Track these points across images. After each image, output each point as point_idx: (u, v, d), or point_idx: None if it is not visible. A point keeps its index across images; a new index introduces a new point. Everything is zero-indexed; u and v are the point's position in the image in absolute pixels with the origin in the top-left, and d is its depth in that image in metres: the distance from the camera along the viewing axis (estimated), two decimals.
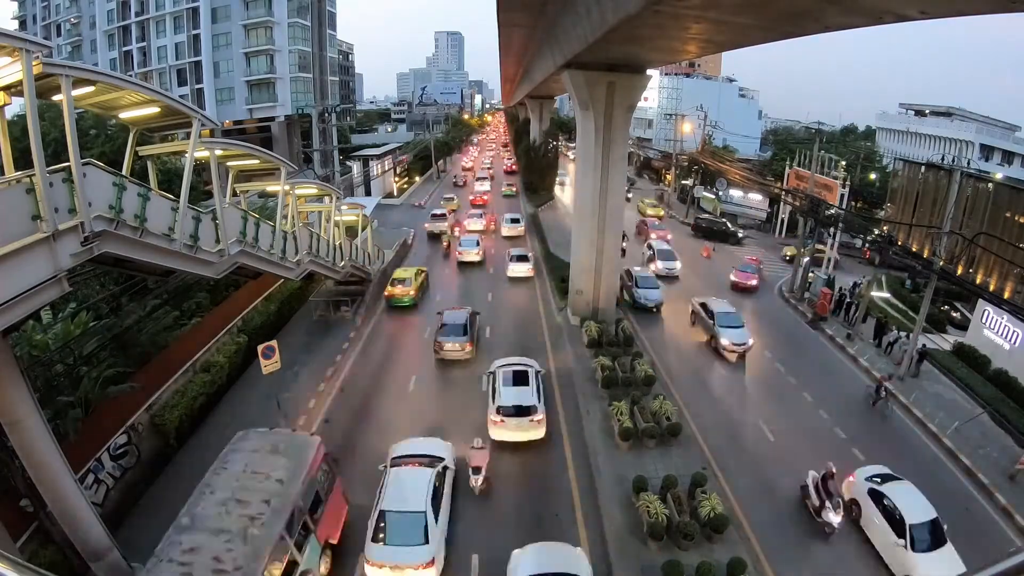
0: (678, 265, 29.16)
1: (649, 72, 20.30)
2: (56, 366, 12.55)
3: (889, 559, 11.13)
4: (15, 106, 8.70)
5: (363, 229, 25.85)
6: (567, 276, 23.36)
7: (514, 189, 51.78)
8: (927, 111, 63.94)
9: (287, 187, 15.29)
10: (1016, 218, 18.39)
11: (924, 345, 19.63)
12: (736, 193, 45.77)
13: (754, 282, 27.86)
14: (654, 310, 23.94)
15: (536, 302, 25.30)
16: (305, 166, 39.90)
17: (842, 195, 31.23)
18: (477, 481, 12.61)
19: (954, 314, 26.98)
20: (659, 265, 28.81)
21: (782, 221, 41.11)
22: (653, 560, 10.71)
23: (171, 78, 54.61)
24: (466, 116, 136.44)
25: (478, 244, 30.96)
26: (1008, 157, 55.02)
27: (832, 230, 29.33)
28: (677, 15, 11.11)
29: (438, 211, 38.31)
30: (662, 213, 44.50)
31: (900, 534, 10.94)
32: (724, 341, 19.84)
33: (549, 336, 21.61)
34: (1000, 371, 19.19)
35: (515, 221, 37.11)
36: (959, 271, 19.00)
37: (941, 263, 18.34)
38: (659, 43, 14.71)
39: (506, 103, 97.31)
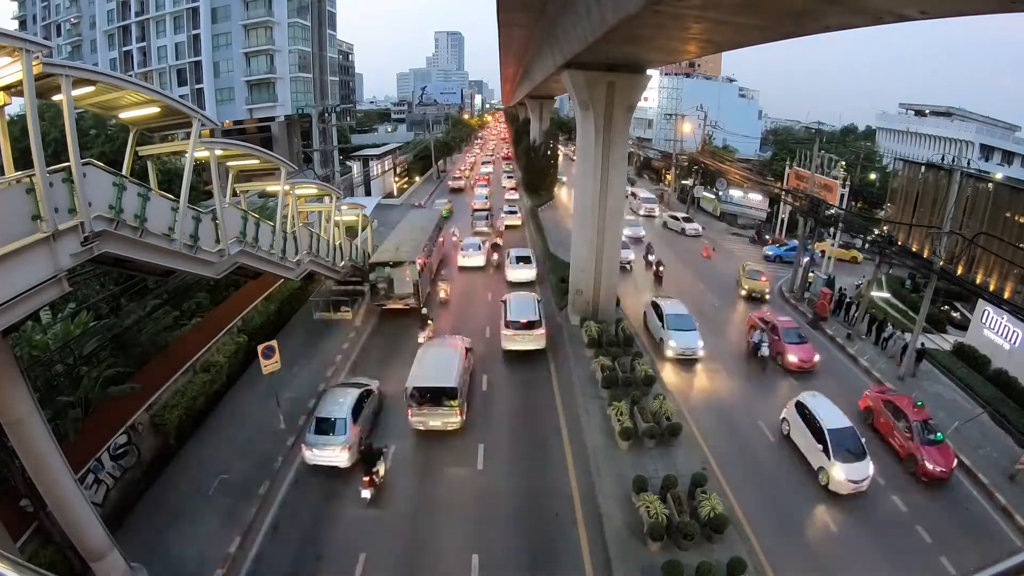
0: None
1: (649, 72, 20.29)
2: (56, 366, 12.54)
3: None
4: (15, 106, 8.70)
5: (363, 229, 25.86)
6: (567, 276, 23.36)
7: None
8: (927, 111, 63.96)
9: (287, 187, 15.31)
10: (1016, 218, 18.40)
11: (923, 344, 19.63)
12: (736, 193, 45.77)
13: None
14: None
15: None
16: (305, 166, 39.91)
17: (842, 195, 31.23)
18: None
19: (954, 314, 26.98)
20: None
21: (782, 221, 41.09)
22: (653, 560, 10.72)
23: (171, 78, 54.62)
24: (466, 116, 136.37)
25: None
26: (1008, 157, 55.02)
27: (832, 230, 29.33)
28: (677, 15, 11.11)
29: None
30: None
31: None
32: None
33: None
34: (1000, 371, 19.19)
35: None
36: (959, 271, 19.01)
37: (941, 263, 18.34)
38: (659, 43, 14.71)
39: (506, 103, 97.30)
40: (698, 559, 10.42)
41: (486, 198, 43.23)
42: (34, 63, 6.93)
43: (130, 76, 10.32)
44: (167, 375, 14.89)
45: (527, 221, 40.55)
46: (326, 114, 37.80)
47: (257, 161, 14.15)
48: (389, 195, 50.56)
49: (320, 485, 13.27)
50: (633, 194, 46.21)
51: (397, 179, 54.25)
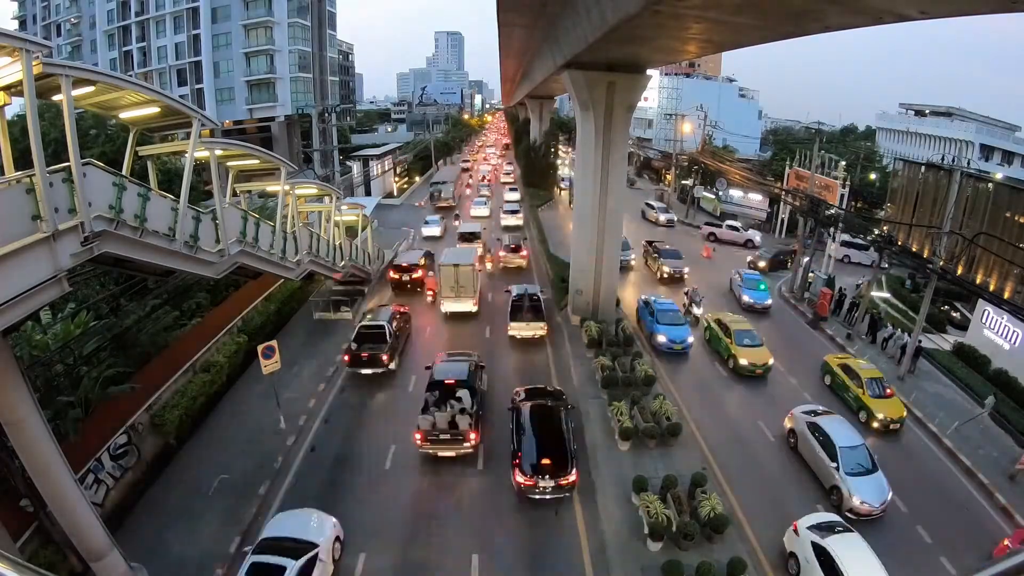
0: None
1: (649, 72, 20.30)
2: (56, 366, 12.54)
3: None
4: (15, 106, 8.69)
5: (363, 229, 25.86)
6: (567, 276, 23.36)
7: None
8: (927, 111, 63.97)
9: (287, 187, 15.29)
10: (1016, 218, 18.40)
11: (920, 341, 19.60)
12: (736, 193, 45.75)
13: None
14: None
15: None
16: (305, 166, 39.93)
17: (842, 195, 31.23)
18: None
19: (954, 314, 26.98)
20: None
21: (782, 221, 41.09)
22: (653, 560, 10.72)
23: (171, 78, 54.60)
24: (466, 116, 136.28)
25: None
26: (1008, 157, 55.02)
27: (832, 230, 29.32)
28: (677, 15, 11.12)
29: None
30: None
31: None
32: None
33: (549, 336, 21.56)
34: (1000, 371, 19.20)
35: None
36: (959, 271, 19.01)
37: (941, 263, 18.34)
38: (659, 43, 14.72)
39: (506, 103, 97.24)
40: (698, 559, 10.42)
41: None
42: (34, 63, 6.92)
43: (130, 76, 10.30)
44: (167, 375, 14.89)
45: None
46: (326, 114, 37.83)
47: (257, 161, 14.14)
48: (389, 195, 50.55)
49: (320, 486, 13.28)
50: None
51: (397, 179, 54.25)
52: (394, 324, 19.17)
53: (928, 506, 12.99)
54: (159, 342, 15.80)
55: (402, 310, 21.16)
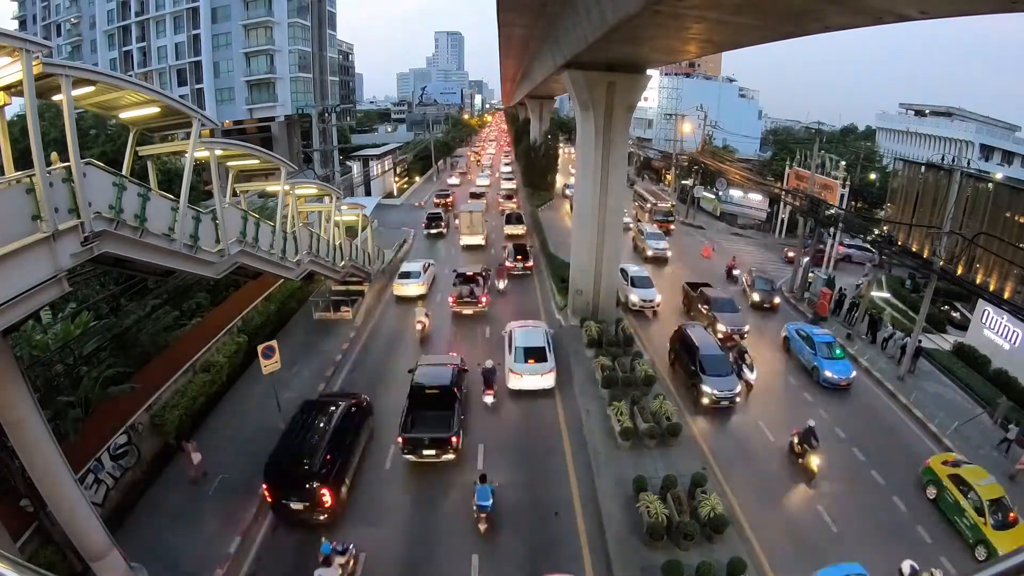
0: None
1: (649, 72, 20.30)
2: (56, 366, 12.54)
3: None
4: (15, 106, 8.69)
5: (363, 229, 25.86)
6: (567, 276, 23.36)
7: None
8: (927, 111, 63.93)
9: (287, 187, 15.29)
10: (1016, 218, 18.41)
11: (920, 341, 19.59)
12: (736, 193, 45.78)
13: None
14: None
15: (536, 302, 25.31)
16: (305, 166, 39.92)
17: (842, 195, 31.24)
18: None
19: (954, 314, 26.98)
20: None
21: (782, 221, 41.12)
22: (653, 560, 10.72)
23: (171, 78, 54.59)
24: (466, 116, 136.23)
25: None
26: (1008, 157, 54.99)
27: (832, 230, 29.34)
28: (677, 15, 11.12)
29: None
30: None
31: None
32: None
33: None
34: (1000, 371, 19.19)
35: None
36: (959, 271, 19.01)
37: (941, 263, 18.34)
38: (659, 43, 14.71)
39: (506, 103, 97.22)
40: (698, 559, 10.42)
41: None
42: (34, 63, 6.92)
43: (130, 76, 10.30)
44: (167, 375, 14.89)
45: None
46: (326, 114, 37.80)
47: (257, 161, 14.14)
48: (389, 195, 50.56)
49: None
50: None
51: (397, 179, 54.24)
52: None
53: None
54: (159, 342, 15.79)
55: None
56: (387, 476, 13.60)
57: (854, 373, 18.24)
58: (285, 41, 53.39)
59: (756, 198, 44.56)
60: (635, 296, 23.78)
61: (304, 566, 10.99)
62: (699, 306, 22.71)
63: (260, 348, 14.61)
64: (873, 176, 47.79)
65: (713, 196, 47.32)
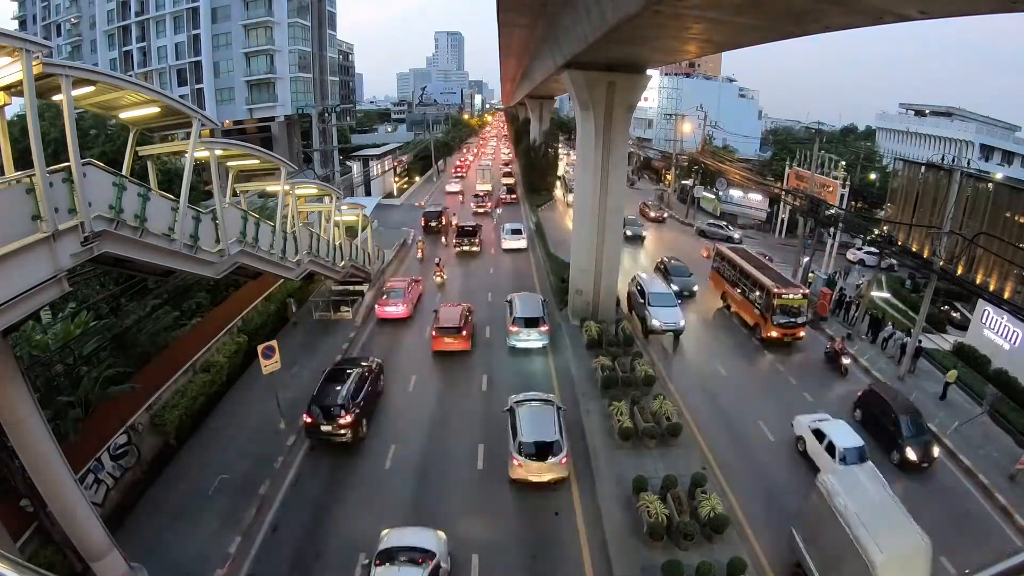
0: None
1: (649, 72, 20.31)
2: (56, 366, 12.53)
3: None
4: (15, 106, 8.69)
5: (363, 229, 25.85)
6: (567, 276, 23.35)
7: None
8: (927, 111, 63.95)
9: (287, 187, 15.29)
10: (1016, 218, 18.40)
11: (920, 341, 19.58)
12: (736, 193, 45.77)
13: None
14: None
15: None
16: (305, 166, 39.87)
17: (842, 195, 31.23)
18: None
19: (954, 314, 26.98)
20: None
21: (782, 221, 41.11)
22: (653, 560, 10.71)
23: (171, 78, 54.58)
24: (466, 116, 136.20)
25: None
26: (1008, 157, 55.01)
27: (832, 230, 29.33)
28: (677, 15, 11.11)
29: None
30: None
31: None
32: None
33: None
34: (1000, 371, 19.18)
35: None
36: (959, 271, 19.00)
37: (941, 263, 18.33)
38: (659, 43, 14.71)
39: (506, 103, 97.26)
40: (698, 559, 10.42)
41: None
42: (34, 63, 6.92)
43: (130, 76, 10.30)
44: (167, 375, 14.89)
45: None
46: (326, 114, 37.78)
47: (257, 161, 14.15)
48: (389, 195, 50.55)
49: (320, 486, 13.27)
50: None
51: (397, 179, 54.24)
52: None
53: (927, 506, 12.97)
54: (159, 342, 15.78)
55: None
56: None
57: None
58: (285, 41, 53.39)
59: (756, 198, 44.56)
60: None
61: (304, 566, 11.03)
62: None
63: (260, 348, 14.62)
64: (873, 176, 47.78)
65: (713, 196, 47.31)
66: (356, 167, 49.42)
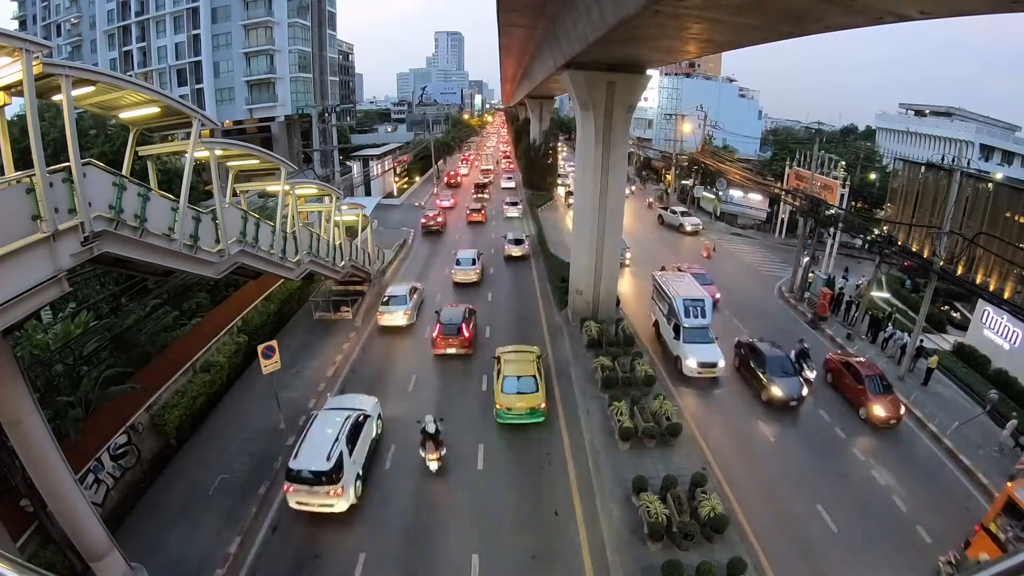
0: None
1: (649, 72, 20.29)
2: (56, 366, 12.55)
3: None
4: (15, 106, 8.69)
5: (363, 229, 25.86)
6: (567, 276, 23.35)
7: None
8: (927, 111, 63.94)
9: (287, 187, 15.29)
10: (1016, 218, 18.38)
11: (922, 341, 19.57)
12: (736, 193, 45.74)
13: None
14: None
15: (536, 302, 25.36)
16: (305, 166, 39.87)
17: (842, 195, 31.21)
18: None
19: (954, 314, 26.97)
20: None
21: (782, 221, 41.09)
22: (653, 560, 10.71)
23: (171, 78, 54.60)
24: (466, 116, 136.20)
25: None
26: (1008, 157, 54.98)
27: (832, 230, 29.32)
28: (677, 15, 11.11)
29: None
30: None
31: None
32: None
33: (548, 336, 21.61)
34: (1000, 371, 19.18)
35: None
36: (959, 271, 18.99)
37: (941, 263, 18.33)
38: (659, 43, 14.71)
39: (506, 103, 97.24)
40: (698, 559, 10.42)
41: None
42: (34, 63, 6.92)
43: (130, 76, 10.29)
44: (167, 375, 14.90)
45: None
46: (326, 114, 37.78)
47: (257, 161, 14.15)
48: (389, 195, 50.55)
49: None
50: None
51: (397, 179, 54.24)
52: None
53: (926, 506, 12.98)
54: (159, 342, 15.80)
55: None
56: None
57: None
58: (285, 41, 53.40)
59: (756, 198, 44.51)
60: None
61: (302, 566, 11.03)
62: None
63: (260, 348, 14.61)
64: (873, 176, 47.76)
65: (713, 196, 47.29)
66: (356, 167, 49.41)
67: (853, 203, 38.66)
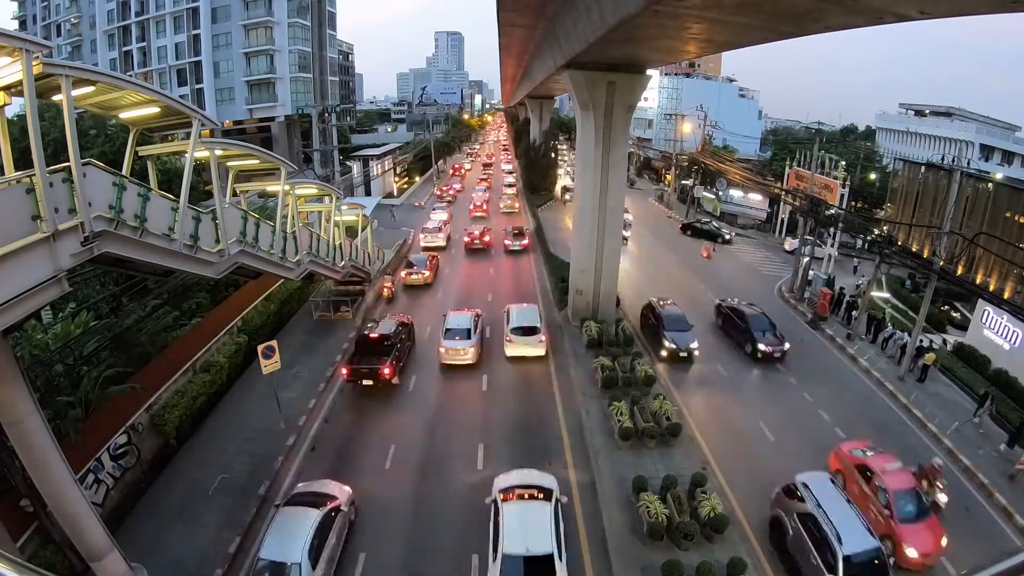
0: None
1: (649, 72, 20.29)
2: (56, 366, 12.54)
3: None
4: (15, 106, 8.69)
5: (363, 229, 25.86)
6: (567, 276, 23.35)
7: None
8: (927, 111, 63.96)
9: (287, 187, 15.29)
10: (1016, 218, 18.42)
11: (922, 342, 19.55)
12: (736, 193, 45.76)
13: None
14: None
15: (536, 302, 25.32)
16: (305, 166, 39.87)
17: (842, 195, 31.24)
18: None
19: (954, 314, 26.96)
20: None
21: (782, 221, 41.10)
22: (653, 560, 10.71)
23: (171, 78, 54.60)
24: (466, 116, 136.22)
25: None
26: (1008, 157, 54.99)
27: (832, 230, 29.33)
28: (677, 15, 11.11)
29: None
30: None
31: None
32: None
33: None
34: (1000, 371, 19.18)
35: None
36: (959, 271, 19.00)
37: (941, 263, 18.33)
38: (659, 43, 14.71)
39: (506, 103, 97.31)
40: (698, 559, 10.42)
41: None
42: (34, 63, 6.92)
43: (130, 76, 10.29)
44: (167, 375, 14.89)
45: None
46: (326, 114, 37.77)
47: (257, 161, 14.14)
48: (389, 195, 50.56)
49: None
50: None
51: (397, 179, 54.24)
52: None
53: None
54: (159, 342, 15.80)
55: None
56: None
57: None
58: (285, 41, 53.41)
59: (756, 198, 44.52)
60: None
61: None
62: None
63: (260, 348, 14.61)
64: (873, 176, 47.78)
65: (713, 196, 47.30)
66: (356, 167, 49.43)
67: (853, 203, 38.70)
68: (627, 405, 15.17)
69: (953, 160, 22.18)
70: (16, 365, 8.50)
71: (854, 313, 23.18)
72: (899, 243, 21.73)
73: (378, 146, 58.36)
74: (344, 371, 17.15)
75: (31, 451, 8.76)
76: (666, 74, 72.68)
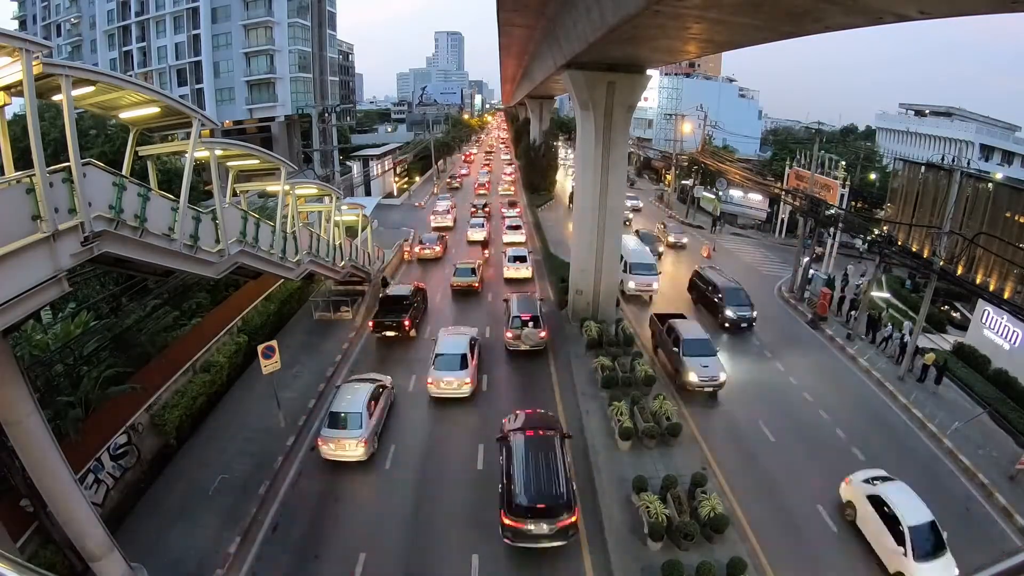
0: None
1: (649, 72, 20.29)
2: (56, 366, 12.54)
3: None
4: (15, 106, 8.69)
5: (363, 229, 25.84)
6: (567, 276, 23.36)
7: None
8: (927, 111, 63.96)
9: (287, 187, 15.28)
10: (1016, 218, 18.42)
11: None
12: (736, 193, 45.76)
13: None
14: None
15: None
16: (305, 166, 39.88)
17: (842, 195, 31.23)
18: None
19: (954, 314, 26.97)
20: None
21: (782, 221, 41.11)
22: (653, 560, 10.72)
23: (171, 78, 54.59)
24: (466, 116, 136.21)
25: None
26: (1008, 157, 54.99)
27: (832, 230, 29.33)
28: (677, 15, 11.12)
29: None
30: None
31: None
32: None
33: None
34: (1000, 371, 19.18)
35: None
36: (959, 271, 19.00)
37: (941, 263, 18.33)
38: (659, 43, 14.72)
39: (506, 103, 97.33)
40: (698, 559, 10.42)
41: None
42: (34, 63, 6.91)
43: (130, 76, 10.28)
44: (167, 375, 14.89)
45: None
46: (326, 114, 37.79)
47: (257, 161, 14.13)
48: (389, 195, 50.56)
49: (320, 485, 13.28)
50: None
51: (397, 179, 54.25)
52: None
53: None
54: (159, 342, 15.79)
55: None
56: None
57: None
58: (285, 41, 53.40)
59: (756, 198, 44.54)
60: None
61: (300, 565, 11.03)
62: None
63: (260, 348, 14.61)
64: (873, 176, 47.77)
65: (713, 196, 47.30)
66: (356, 167, 49.43)
67: (853, 203, 38.70)
68: (627, 405, 15.17)
69: (953, 160, 22.18)
70: (16, 365, 8.50)
71: (853, 313, 23.20)
72: (899, 243, 21.73)
73: (378, 146, 58.35)
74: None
75: (31, 451, 8.76)
76: (666, 74, 72.70)
